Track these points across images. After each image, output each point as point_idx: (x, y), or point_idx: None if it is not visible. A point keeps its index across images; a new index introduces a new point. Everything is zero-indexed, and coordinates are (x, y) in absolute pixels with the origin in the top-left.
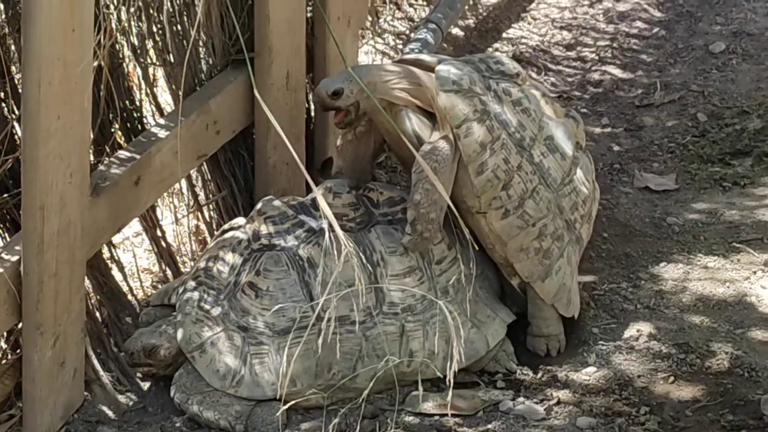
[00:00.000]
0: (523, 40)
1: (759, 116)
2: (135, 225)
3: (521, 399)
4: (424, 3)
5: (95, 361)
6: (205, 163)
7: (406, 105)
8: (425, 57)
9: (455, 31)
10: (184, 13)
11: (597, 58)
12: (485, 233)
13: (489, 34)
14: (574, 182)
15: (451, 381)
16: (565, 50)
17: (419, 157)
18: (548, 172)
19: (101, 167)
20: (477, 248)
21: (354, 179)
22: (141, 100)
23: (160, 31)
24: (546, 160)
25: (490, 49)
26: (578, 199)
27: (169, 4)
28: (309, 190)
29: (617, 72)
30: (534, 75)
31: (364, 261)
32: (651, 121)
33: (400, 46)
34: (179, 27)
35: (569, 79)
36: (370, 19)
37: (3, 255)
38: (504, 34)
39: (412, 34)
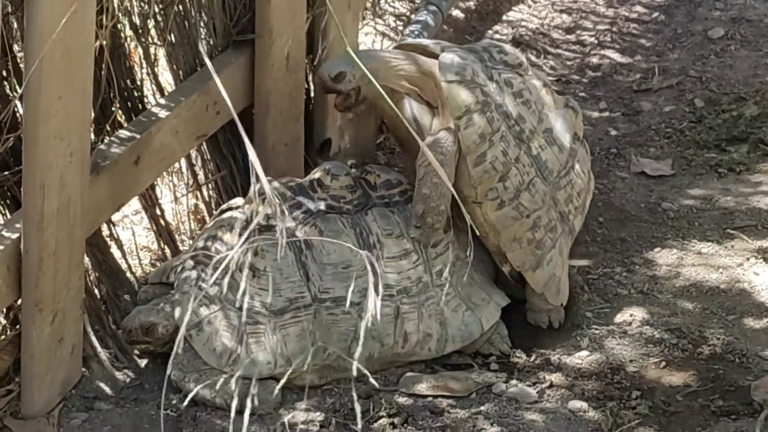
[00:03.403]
0: (523, 23)
1: (756, 103)
2: (134, 203)
3: (514, 382)
4: None
5: (93, 338)
6: (204, 143)
7: (407, 92)
8: (429, 43)
9: (456, 13)
10: None
11: (596, 42)
12: (480, 222)
13: (489, 16)
14: (570, 174)
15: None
16: (565, 34)
17: (427, 151)
18: (545, 165)
19: (101, 146)
20: (477, 233)
21: (358, 156)
22: (142, 80)
23: (162, 11)
24: (544, 153)
25: (489, 32)
26: (573, 191)
27: None
28: (307, 171)
29: (616, 56)
30: (533, 58)
31: (361, 243)
32: (648, 106)
33: (401, 28)
34: (180, 7)
35: (568, 63)
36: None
37: (3, 232)
38: (504, 17)
39: (413, 16)
